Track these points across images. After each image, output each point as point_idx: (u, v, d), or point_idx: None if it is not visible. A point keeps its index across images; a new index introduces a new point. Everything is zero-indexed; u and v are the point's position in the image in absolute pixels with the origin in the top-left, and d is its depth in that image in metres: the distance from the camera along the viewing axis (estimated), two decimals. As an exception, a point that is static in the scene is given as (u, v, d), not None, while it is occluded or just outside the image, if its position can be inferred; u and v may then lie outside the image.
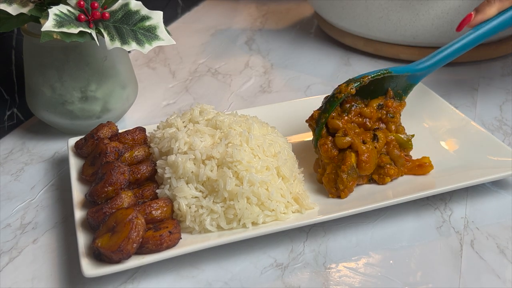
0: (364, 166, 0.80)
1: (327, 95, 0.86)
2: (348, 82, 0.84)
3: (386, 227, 0.77)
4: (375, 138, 0.83)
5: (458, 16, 1.12)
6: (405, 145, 0.85)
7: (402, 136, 0.85)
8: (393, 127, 0.87)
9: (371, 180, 0.82)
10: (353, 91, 0.83)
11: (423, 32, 1.15)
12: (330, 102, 0.84)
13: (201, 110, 0.84)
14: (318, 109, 0.86)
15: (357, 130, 0.84)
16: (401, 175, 0.84)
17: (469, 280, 0.69)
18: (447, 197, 0.82)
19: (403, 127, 0.90)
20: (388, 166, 0.82)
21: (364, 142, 0.82)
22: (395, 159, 0.83)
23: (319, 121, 0.84)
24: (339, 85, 0.85)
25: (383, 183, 0.82)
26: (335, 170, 0.80)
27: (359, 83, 0.84)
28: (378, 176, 0.82)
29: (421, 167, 0.84)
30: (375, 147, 0.82)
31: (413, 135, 0.89)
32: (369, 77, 0.84)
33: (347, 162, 0.79)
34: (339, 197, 0.79)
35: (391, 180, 0.82)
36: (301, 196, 0.77)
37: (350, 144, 0.81)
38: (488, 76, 1.16)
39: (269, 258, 0.73)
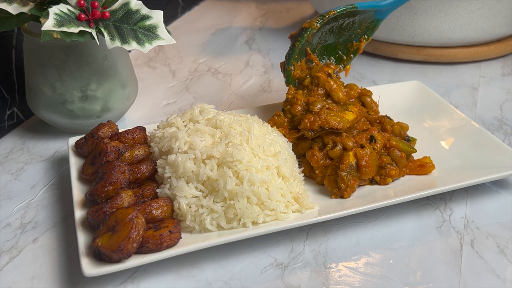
0: (365, 171, 0.80)
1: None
2: (311, 19, 0.88)
3: (386, 226, 0.77)
4: (372, 139, 0.83)
5: (456, 16, 1.12)
6: (409, 152, 0.84)
7: (405, 142, 0.85)
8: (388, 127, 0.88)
9: (372, 181, 0.82)
10: (317, 25, 0.87)
11: (421, 32, 1.15)
12: (295, 39, 0.88)
13: (201, 109, 0.84)
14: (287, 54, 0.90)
15: (348, 135, 0.84)
16: (403, 175, 0.84)
17: (469, 280, 0.69)
18: (447, 196, 0.82)
19: (399, 125, 0.90)
20: (389, 166, 0.82)
21: (362, 146, 0.81)
22: (396, 159, 0.83)
23: (289, 62, 0.89)
24: (303, 24, 0.89)
25: (384, 183, 0.82)
26: (334, 171, 0.80)
27: (322, 18, 0.87)
28: (379, 176, 0.82)
29: (423, 167, 0.83)
30: (374, 149, 0.82)
31: (415, 140, 0.89)
32: (335, 11, 0.88)
33: (345, 161, 0.79)
34: (342, 197, 0.79)
35: (393, 181, 0.82)
36: (301, 195, 0.77)
37: (344, 149, 0.81)
38: (488, 76, 1.16)
39: (269, 257, 0.73)
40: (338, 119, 0.82)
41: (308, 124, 0.83)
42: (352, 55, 0.96)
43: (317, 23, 0.87)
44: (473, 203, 0.81)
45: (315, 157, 0.82)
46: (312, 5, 1.37)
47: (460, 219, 0.78)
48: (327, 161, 0.82)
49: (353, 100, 0.89)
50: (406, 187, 0.81)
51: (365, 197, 0.79)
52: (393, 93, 1.00)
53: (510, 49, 1.22)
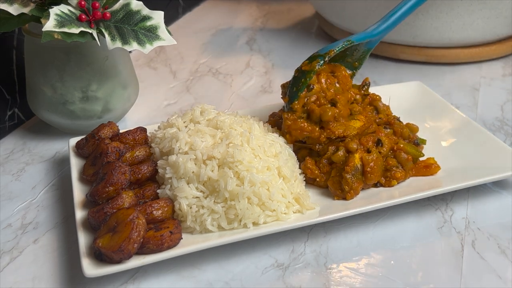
0: (370, 177, 0.79)
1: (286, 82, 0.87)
2: (311, 60, 0.85)
3: (387, 227, 0.77)
4: (378, 143, 0.82)
5: (457, 16, 1.12)
6: (417, 156, 0.84)
7: (413, 146, 0.84)
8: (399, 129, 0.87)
9: (377, 184, 0.81)
10: (319, 68, 0.84)
11: (422, 32, 1.15)
12: (297, 84, 0.84)
13: (202, 110, 0.84)
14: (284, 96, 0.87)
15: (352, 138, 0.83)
16: (408, 178, 0.83)
17: (470, 281, 0.69)
18: (448, 197, 0.82)
19: (409, 127, 0.89)
20: (395, 169, 0.81)
21: (368, 151, 0.81)
22: (403, 162, 0.82)
23: (291, 101, 0.84)
24: (301, 65, 0.85)
25: (389, 185, 0.81)
26: (339, 172, 0.80)
27: (323, 59, 0.84)
28: (384, 179, 0.81)
29: (428, 168, 0.83)
30: (380, 152, 0.82)
31: (424, 141, 0.89)
32: (335, 50, 0.85)
33: (350, 163, 0.79)
34: (344, 199, 0.79)
35: (398, 183, 0.82)
36: (302, 196, 0.77)
37: (348, 152, 0.81)
38: (489, 76, 1.16)
39: (270, 258, 0.73)
40: (344, 127, 0.82)
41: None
42: None
43: (318, 65, 0.84)
44: (474, 204, 0.81)
45: (309, 170, 0.82)
46: (313, 6, 1.37)
47: (461, 219, 0.78)
48: (326, 168, 0.81)
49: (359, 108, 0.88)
50: (407, 188, 0.81)
51: (366, 198, 0.79)
52: (394, 94, 1.00)
53: (511, 50, 1.22)
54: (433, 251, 0.73)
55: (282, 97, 0.89)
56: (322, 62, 0.84)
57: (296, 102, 0.83)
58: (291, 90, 0.85)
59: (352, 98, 0.88)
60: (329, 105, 0.83)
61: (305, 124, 0.82)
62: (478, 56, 1.19)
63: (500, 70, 1.18)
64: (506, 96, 1.09)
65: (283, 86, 0.90)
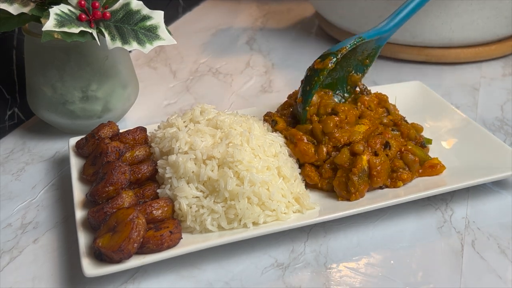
0: (376, 180, 0.79)
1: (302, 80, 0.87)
2: (324, 58, 0.84)
3: (387, 227, 0.77)
4: (387, 145, 0.82)
5: (457, 16, 1.12)
6: (424, 159, 0.83)
7: (421, 149, 0.84)
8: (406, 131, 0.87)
9: (383, 186, 0.81)
10: (332, 66, 0.83)
11: (422, 32, 1.15)
12: (310, 82, 0.83)
13: (202, 110, 0.84)
14: (299, 96, 0.86)
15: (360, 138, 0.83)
16: (414, 179, 0.83)
17: (470, 281, 0.69)
18: (448, 197, 0.82)
19: (414, 127, 0.89)
20: (401, 170, 0.81)
21: (376, 154, 0.80)
22: (409, 164, 0.81)
23: (305, 103, 0.84)
24: (314, 64, 0.84)
25: (395, 186, 0.81)
26: (346, 173, 0.79)
27: (335, 57, 0.83)
28: (390, 180, 0.81)
29: (433, 168, 0.83)
30: (387, 155, 0.81)
31: (430, 140, 0.88)
32: (347, 47, 0.84)
33: (358, 165, 0.78)
34: (348, 200, 0.78)
35: (404, 184, 0.82)
36: (302, 196, 0.77)
37: (353, 154, 0.81)
38: (489, 76, 1.16)
39: (270, 258, 0.73)
40: (349, 133, 0.82)
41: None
42: (351, 88, 0.93)
43: (331, 63, 0.83)
44: (474, 204, 0.81)
45: (309, 177, 0.81)
46: (312, 6, 1.37)
47: (461, 219, 0.78)
48: (328, 174, 0.81)
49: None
50: (407, 188, 0.81)
51: (367, 198, 0.79)
52: (394, 94, 1.00)
53: (511, 50, 1.22)
54: (433, 251, 0.73)
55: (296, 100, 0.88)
56: (334, 59, 0.83)
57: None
58: (304, 89, 0.85)
59: (367, 104, 0.88)
60: (328, 116, 0.83)
61: (311, 149, 0.81)
62: (478, 56, 1.19)
63: (500, 70, 1.18)
64: (506, 96, 1.09)
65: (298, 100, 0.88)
